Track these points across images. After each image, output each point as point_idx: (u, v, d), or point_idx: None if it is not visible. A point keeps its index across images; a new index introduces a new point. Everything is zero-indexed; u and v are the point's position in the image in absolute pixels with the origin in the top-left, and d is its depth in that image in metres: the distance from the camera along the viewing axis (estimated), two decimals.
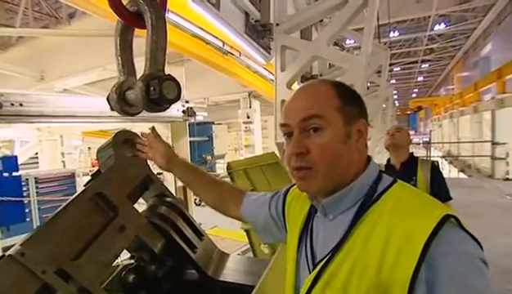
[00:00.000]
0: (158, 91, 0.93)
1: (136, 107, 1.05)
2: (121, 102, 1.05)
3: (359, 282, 0.61)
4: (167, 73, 0.99)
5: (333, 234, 0.68)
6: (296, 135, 0.70)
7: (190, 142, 6.22)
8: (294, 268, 0.76)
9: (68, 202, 1.03)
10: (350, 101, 0.71)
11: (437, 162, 2.53)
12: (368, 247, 0.62)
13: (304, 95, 0.73)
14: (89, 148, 12.08)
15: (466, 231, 0.59)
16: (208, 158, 13.11)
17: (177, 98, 0.99)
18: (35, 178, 5.84)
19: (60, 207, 1.01)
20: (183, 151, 5.26)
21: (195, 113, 4.72)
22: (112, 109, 1.07)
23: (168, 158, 1.13)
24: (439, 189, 2.36)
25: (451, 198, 2.36)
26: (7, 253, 0.88)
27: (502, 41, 12.90)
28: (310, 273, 0.70)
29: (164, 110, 1.02)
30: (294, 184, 0.88)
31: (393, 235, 0.59)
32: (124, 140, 1.23)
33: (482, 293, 0.55)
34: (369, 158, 0.74)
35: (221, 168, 13.64)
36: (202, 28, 3.44)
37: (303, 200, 0.82)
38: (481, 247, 0.59)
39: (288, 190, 0.93)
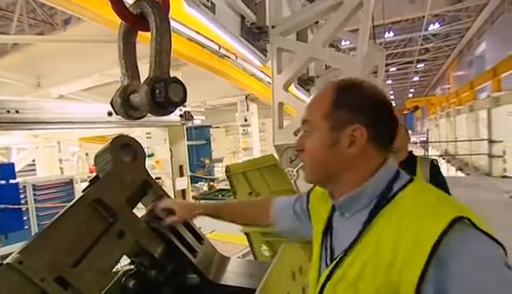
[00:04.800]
0: (163, 94, 0.92)
1: (141, 111, 1.04)
2: (125, 106, 1.04)
3: (369, 281, 0.63)
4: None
5: (349, 233, 0.70)
6: (300, 133, 0.78)
7: (188, 146, 6.22)
8: (317, 263, 0.80)
9: (66, 208, 1.02)
10: (343, 107, 0.72)
11: (437, 160, 2.53)
12: (380, 248, 0.63)
13: (310, 99, 0.80)
14: (87, 154, 12.02)
15: (484, 232, 0.57)
16: (207, 161, 13.08)
17: (183, 101, 0.98)
18: (33, 185, 5.80)
19: (59, 214, 1.00)
20: (181, 155, 5.25)
21: (192, 117, 4.73)
22: (116, 113, 1.06)
23: (189, 208, 1.22)
24: (438, 188, 2.35)
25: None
26: (5, 261, 0.87)
27: (496, 39, 13.00)
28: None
29: (170, 114, 1.01)
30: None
31: (403, 236, 0.60)
32: (122, 145, 1.22)
33: None
34: (385, 159, 0.74)
35: (219, 172, 13.61)
36: (198, 32, 3.45)
37: (327, 198, 0.84)
38: (504, 249, 0.56)
39: (312, 189, 0.98)
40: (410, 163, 2.47)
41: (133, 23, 1.00)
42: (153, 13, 0.94)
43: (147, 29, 0.97)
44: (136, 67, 1.07)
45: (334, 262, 0.71)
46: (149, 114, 1.04)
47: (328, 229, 0.81)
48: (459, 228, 0.56)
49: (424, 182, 0.74)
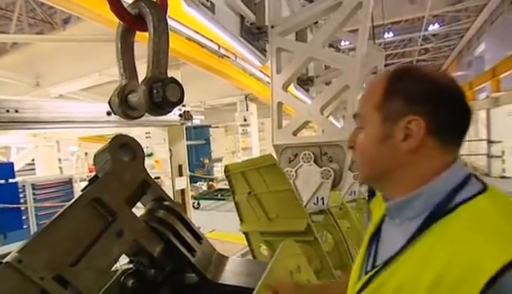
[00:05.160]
0: (161, 94, 0.93)
1: (139, 110, 1.05)
2: (123, 106, 1.05)
3: None
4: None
5: (396, 240, 0.62)
6: (354, 129, 0.73)
7: (188, 146, 6.22)
8: (358, 269, 0.74)
9: (65, 207, 1.02)
10: (396, 96, 0.63)
11: None
12: (428, 263, 0.54)
13: (363, 91, 0.73)
14: (86, 153, 12.04)
15: None
16: (206, 161, 13.10)
17: (181, 101, 0.99)
18: (32, 184, 5.82)
19: (58, 213, 1.01)
20: (180, 155, 5.26)
21: (191, 116, 4.73)
22: (114, 112, 1.07)
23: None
24: None
25: None
26: (4, 260, 0.88)
27: (495, 40, 13.02)
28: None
29: (167, 114, 1.02)
30: None
31: (456, 258, 0.51)
32: (121, 144, 1.23)
33: None
34: (452, 161, 0.63)
35: (218, 171, 13.63)
36: (197, 32, 3.46)
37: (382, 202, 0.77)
38: None
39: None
40: None
41: (131, 23, 1.00)
42: (151, 13, 0.95)
43: (145, 29, 0.98)
44: (134, 67, 1.08)
45: (374, 270, 0.65)
46: (147, 114, 1.05)
47: (376, 234, 0.73)
48: None
49: (504, 194, 0.60)
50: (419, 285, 0.54)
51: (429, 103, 0.61)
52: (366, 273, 0.68)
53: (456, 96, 0.63)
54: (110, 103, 1.05)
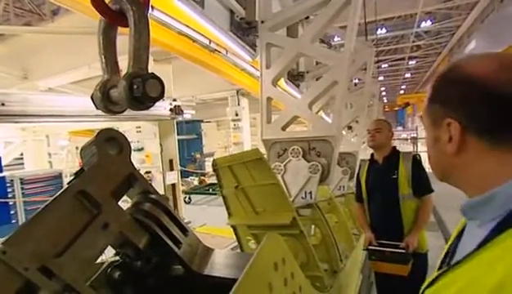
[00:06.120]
0: (141, 90, 0.95)
1: (120, 105, 1.06)
2: (105, 101, 1.06)
3: None
4: (153, 71, 1.00)
5: (473, 243, 0.57)
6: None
7: (179, 140, 6.21)
8: (441, 261, 0.73)
9: (51, 200, 1.03)
10: (436, 100, 0.65)
11: (419, 155, 2.60)
12: (490, 270, 0.49)
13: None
14: (77, 148, 11.90)
15: None
16: (198, 156, 13.07)
17: (161, 96, 1.00)
18: (20, 179, 5.75)
19: (43, 206, 1.02)
20: (171, 149, 5.25)
21: (182, 111, 4.73)
22: (97, 107, 1.08)
23: None
24: (420, 182, 2.43)
25: (432, 191, 2.43)
26: None
27: (485, 38, 13.17)
28: None
29: (148, 108, 1.04)
30: None
31: None
32: (107, 138, 1.23)
33: None
34: None
35: (210, 166, 13.61)
36: (188, 26, 3.44)
37: None
38: None
39: None
40: (393, 158, 2.54)
41: (112, 19, 1.01)
42: (132, 10, 0.96)
43: (126, 25, 0.99)
44: (116, 62, 1.09)
45: (442, 270, 0.62)
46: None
47: (462, 231, 0.70)
48: None
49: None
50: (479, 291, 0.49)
51: (461, 103, 0.59)
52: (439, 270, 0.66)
53: (501, 95, 0.54)
54: (92, 98, 1.06)
